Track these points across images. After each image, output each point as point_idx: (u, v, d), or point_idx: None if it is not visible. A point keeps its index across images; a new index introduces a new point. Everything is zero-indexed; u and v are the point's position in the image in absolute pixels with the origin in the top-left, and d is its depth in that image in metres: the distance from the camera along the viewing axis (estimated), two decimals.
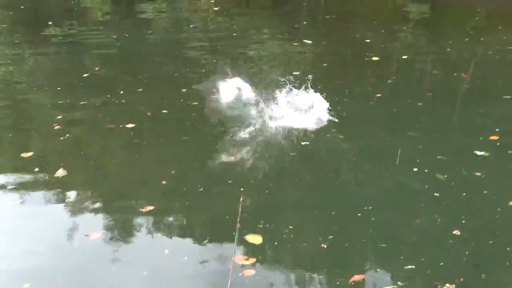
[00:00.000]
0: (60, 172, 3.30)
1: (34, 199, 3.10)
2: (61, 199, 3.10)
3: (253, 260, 2.42)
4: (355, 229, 2.68)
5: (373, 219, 2.72)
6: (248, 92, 4.50)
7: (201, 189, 3.11)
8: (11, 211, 2.99)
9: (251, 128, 3.88)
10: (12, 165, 3.66)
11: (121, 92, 4.94)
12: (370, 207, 2.82)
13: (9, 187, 3.20)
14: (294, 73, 5.02)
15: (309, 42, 6.54)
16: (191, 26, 8.55)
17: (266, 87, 4.53)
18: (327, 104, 4.06)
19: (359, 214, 2.77)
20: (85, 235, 2.66)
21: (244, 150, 3.62)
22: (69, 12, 9.82)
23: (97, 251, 2.58)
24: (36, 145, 4.05)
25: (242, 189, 3.02)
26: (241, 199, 2.80)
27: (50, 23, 8.47)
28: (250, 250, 2.50)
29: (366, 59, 5.81)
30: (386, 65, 5.84)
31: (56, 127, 4.13)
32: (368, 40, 6.61)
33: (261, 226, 2.68)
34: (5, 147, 4.17)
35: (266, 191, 3.10)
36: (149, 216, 2.85)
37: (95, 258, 2.53)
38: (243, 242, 2.54)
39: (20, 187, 3.22)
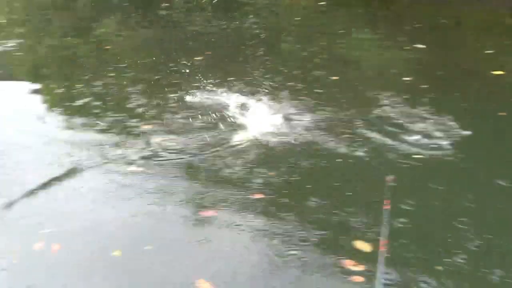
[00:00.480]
0: None
1: None
2: None
3: None
4: None
5: None
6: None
7: None
8: None
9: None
10: None
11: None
12: None
13: None
14: (405, 79, 4.83)
15: (422, 46, 6.19)
16: (295, 19, 8.56)
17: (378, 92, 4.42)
18: (445, 119, 3.85)
19: None
20: None
21: None
22: None
23: None
24: None
25: None
26: None
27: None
28: None
29: (487, 71, 5.36)
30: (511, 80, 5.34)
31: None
32: (489, 51, 6.09)
33: None
34: None
35: None
36: None
37: None
38: None
39: None
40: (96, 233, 2.70)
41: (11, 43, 6.83)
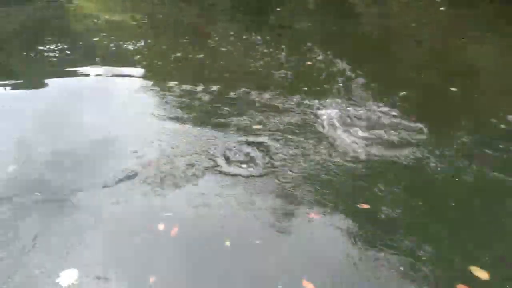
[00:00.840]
0: None
1: None
2: None
3: None
4: None
5: None
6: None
7: None
8: None
9: None
10: None
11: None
12: None
13: None
14: None
15: None
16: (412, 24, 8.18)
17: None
18: None
19: None
20: None
21: None
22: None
23: None
24: None
25: None
26: None
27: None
28: None
29: None
30: None
31: None
32: None
33: None
34: None
35: None
36: None
37: None
38: None
39: None
40: (209, 221, 2.91)
41: (135, 42, 7.60)
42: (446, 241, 2.68)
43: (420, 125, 3.99)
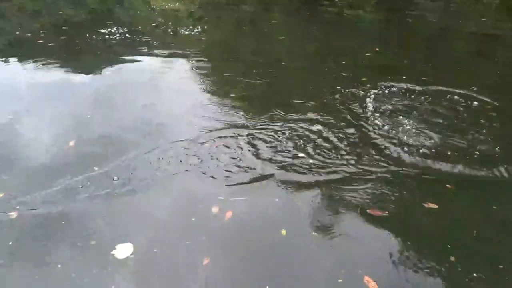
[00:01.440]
0: None
1: None
2: None
3: None
4: None
5: None
6: None
7: None
8: None
9: None
10: None
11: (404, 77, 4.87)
12: None
13: None
14: None
15: None
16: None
17: None
18: None
19: None
20: None
21: None
22: None
23: None
24: None
25: None
26: None
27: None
28: None
29: None
30: None
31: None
32: None
33: None
34: None
35: None
36: None
37: None
38: None
39: None
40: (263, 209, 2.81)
41: (195, 29, 7.66)
42: None
43: None
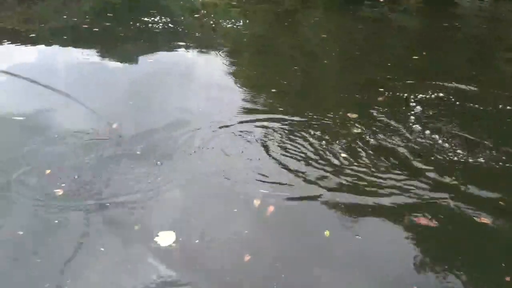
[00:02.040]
0: None
1: None
2: None
3: None
4: None
5: None
6: None
7: None
8: None
9: None
10: None
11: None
12: None
13: None
14: None
15: None
16: None
17: None
18: None
19: None
20: None
21: None
22: None
23: None
24: None
25: None
26: None
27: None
28: None
29: None
30: None
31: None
32: None
33: None
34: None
35: None
36: None
37: None
38: None
39: None
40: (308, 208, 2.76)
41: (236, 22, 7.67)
42: None
43: None
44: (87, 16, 7.80)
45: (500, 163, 3.18)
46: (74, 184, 2.82)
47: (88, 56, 5.54)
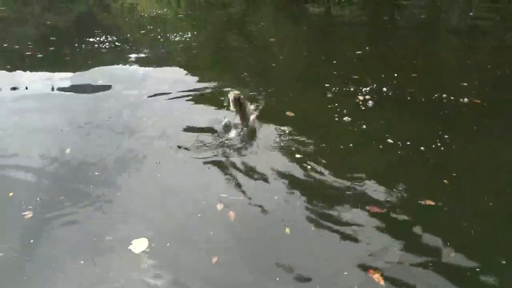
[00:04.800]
0: None
1: None
2: None
3: None
4: None
5: None
6: None
7: None
8: None
9: None
10: None
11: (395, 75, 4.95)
12: None
13: None
14: None
15: None
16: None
17: None
18: None
19: None
20: None
21: None
22: None
23: None
24: None
25: None
26: None
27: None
28: None
29: None
30: None
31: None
32: None
33: None
34: None
35: None
36: None
37: None
38: None
39: None
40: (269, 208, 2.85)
41: (184, 35, 7.69)
42: None
43: None
44: (29, 43, 7.58)
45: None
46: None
47: (35, 83, 5.39)
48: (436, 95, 4.33)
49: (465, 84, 4.62)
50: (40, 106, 4.55)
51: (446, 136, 3.54)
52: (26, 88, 5.15)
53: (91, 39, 7.28)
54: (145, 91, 4.78)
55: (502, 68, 5.18)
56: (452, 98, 4.26)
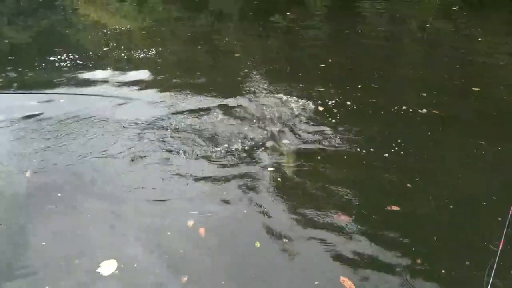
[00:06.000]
0: None
1: None
2: None
3: None
4: None
5: None
6: None
7: None
8: None
9: None
10: None
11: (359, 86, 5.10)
12: None
13: None
14: None
15: None
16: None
17: None
18: None
19: None
20: None
21: None
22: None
23: None
24: None
25: None
26: None
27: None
28: None
29: None
30: None
31: None
32: None
33: None
34: None
35: None
36: None
37: None
38: None
39: None
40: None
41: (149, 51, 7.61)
42: None
43: None
44: None
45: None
46: None
47: None
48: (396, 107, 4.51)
49: (424, 94, 4.83)
50: None
51: (406, 144, 3.71)
52: None
53: (51, 58, 7.10)
54: None
55: (459, 78, 5.44)
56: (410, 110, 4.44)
